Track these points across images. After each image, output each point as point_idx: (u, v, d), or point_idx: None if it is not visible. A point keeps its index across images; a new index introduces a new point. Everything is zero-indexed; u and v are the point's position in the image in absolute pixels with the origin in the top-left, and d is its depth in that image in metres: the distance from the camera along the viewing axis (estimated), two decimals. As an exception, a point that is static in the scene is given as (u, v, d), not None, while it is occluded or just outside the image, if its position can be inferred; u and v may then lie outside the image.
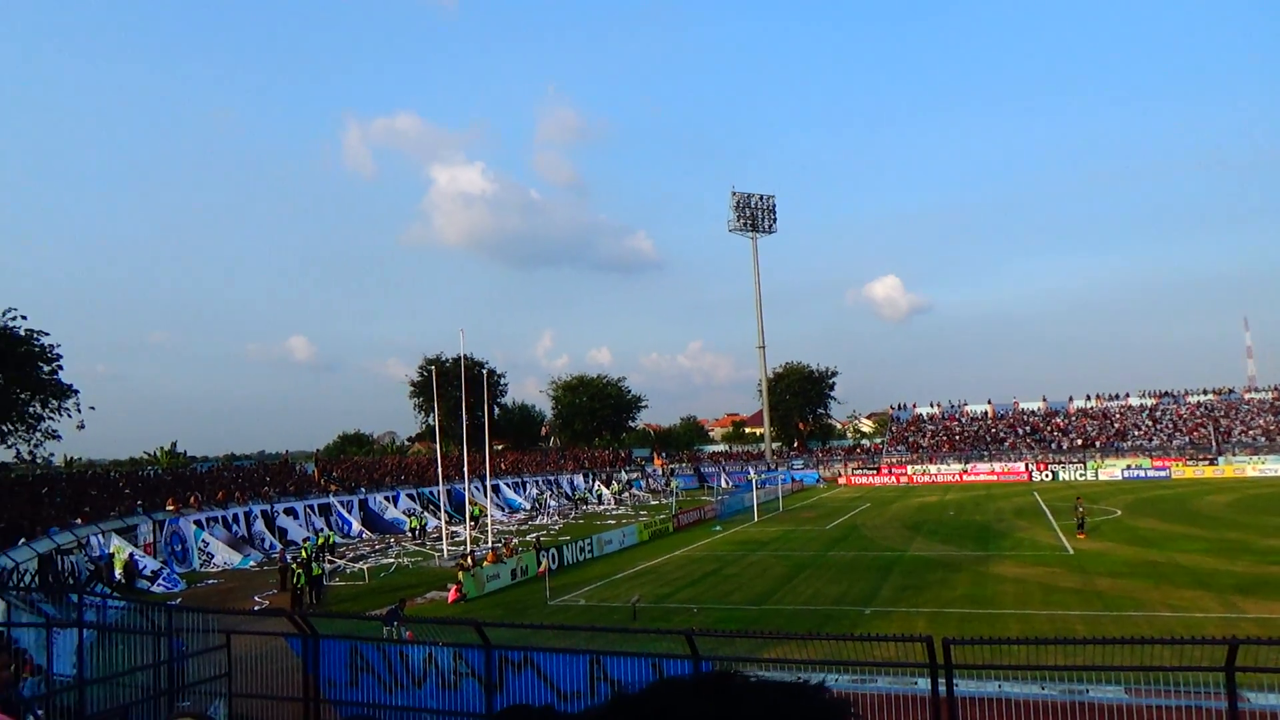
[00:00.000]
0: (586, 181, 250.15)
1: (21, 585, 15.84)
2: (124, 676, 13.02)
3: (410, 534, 51.40)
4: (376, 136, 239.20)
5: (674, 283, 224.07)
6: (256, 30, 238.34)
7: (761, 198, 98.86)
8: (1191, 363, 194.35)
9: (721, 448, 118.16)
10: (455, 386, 67.40)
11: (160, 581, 35.79)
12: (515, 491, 69.26)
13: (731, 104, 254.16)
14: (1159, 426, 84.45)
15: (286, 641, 13.68)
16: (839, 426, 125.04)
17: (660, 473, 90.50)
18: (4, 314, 43.05)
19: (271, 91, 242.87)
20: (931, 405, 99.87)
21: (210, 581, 37.19)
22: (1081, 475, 76.56)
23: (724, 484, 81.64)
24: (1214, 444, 77.67)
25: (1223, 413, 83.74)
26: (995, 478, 79.49)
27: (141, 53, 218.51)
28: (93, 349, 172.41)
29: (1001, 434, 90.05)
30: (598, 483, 77.80)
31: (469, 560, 33.38)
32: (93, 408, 48.13)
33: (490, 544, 40.53)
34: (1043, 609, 24.38)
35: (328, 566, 35.91)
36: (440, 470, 48.20)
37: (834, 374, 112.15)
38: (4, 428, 44.59)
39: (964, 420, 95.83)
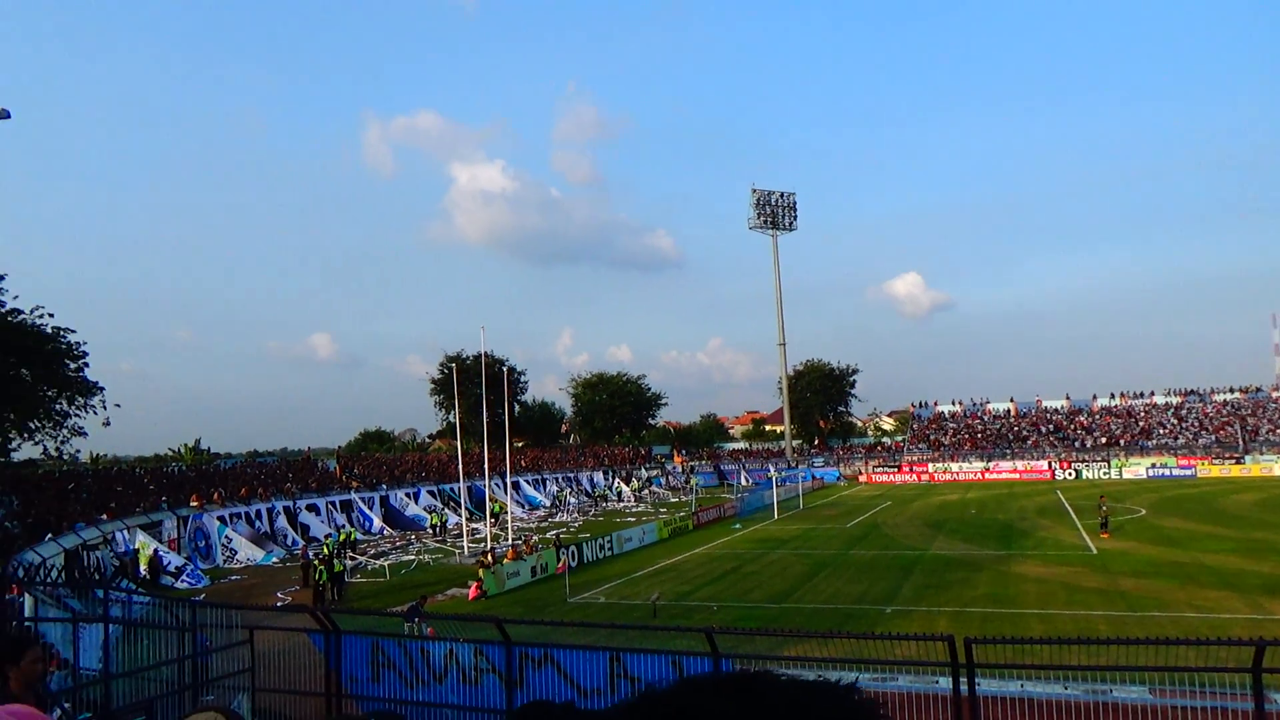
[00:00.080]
0: (606, 179, 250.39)
1: (48, 581, 16.03)
2: (149, 671, 13.15)
3: (431, 531, 51.61)
4: (397, 135, 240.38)
5: (694, 280, 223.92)
6: (279, 32, 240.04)
7: (782, 195, 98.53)
8: (1218, 360, 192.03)
9: (741, 445, 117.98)
10: (476, 384, 67.53)
11: (184, 577, 36.14)
12: (535, 489, 69.43)
13: (752, 101, 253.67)
14: (1184, 425, 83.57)
15: (309, 637, 13.76)
16: (860, 424, 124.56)
17: (680, 470, 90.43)
18: (31, 312, 43.53)
19: (293, 92, 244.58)
20: (953, 403, 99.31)
21: (233, 577, 37.51)
22: (1105, 474, 75.91)
23: (744, 481, 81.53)
24: (1240, 442, 76.76)
25: (1250, 411, 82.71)
26: (1018, 476, 78.89)
27: (167, 55, 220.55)
28: (118, 347, 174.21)
29: (1024, 432, 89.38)
30: (617, 480, 77.83)
31: (489, 557, 33.49)
32: (118, 405, 48.52)
33: (510, 541, 40.62)
34: (1066, 609, 24.20)
35: (349, 563, 36.13)
36: (461, 467, 48.37)
37: (854, 371, 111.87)
38: (31, 425, 45.08)
39: (986, 418, 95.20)
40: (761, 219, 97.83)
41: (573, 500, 69.50)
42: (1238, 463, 72.85)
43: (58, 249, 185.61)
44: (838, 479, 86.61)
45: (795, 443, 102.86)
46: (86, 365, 46.28)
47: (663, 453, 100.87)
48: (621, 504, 69.02)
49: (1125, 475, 74.69)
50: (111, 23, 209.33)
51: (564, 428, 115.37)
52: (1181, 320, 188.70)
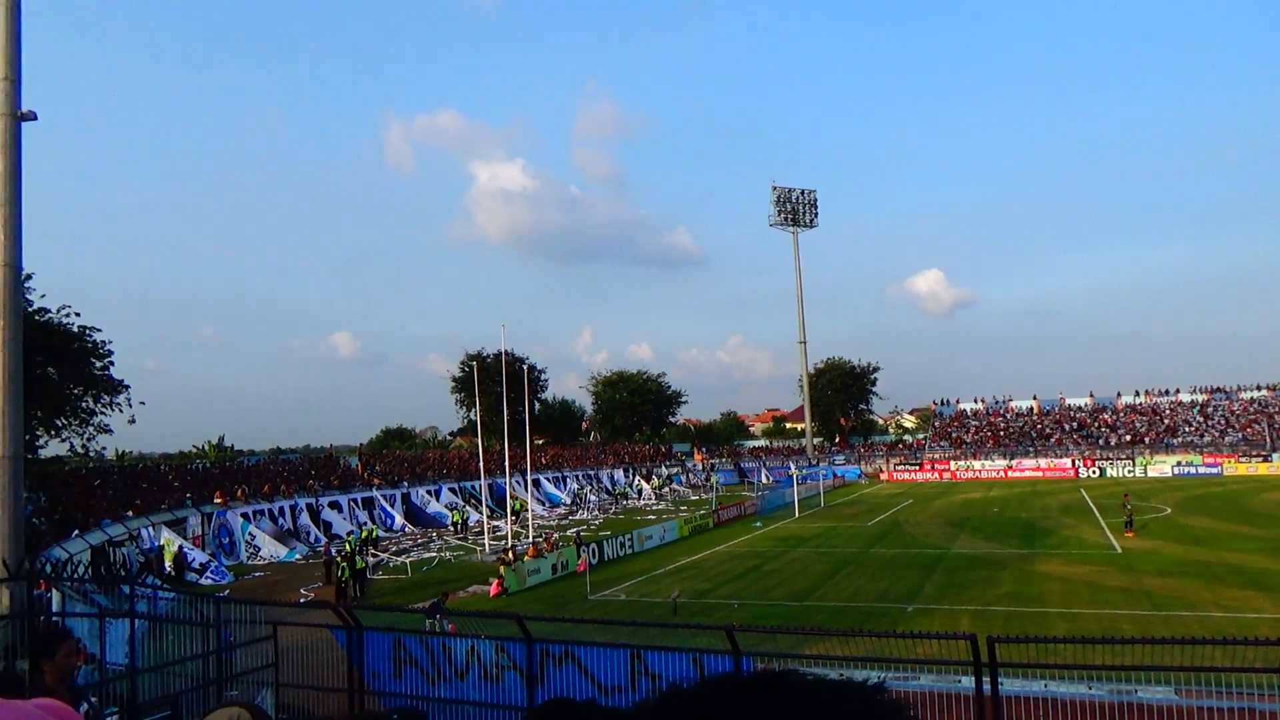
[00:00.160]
0: (626, 177, 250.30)
1: (75, 577, 16.21)
2: (174, 666, 13.28)
3: (452, 528, 51.82)
4: (418, 134, 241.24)
5: (714, 278, 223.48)
6: (300, 33, 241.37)
7: (803, 192, 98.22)
8: (1245, 357, 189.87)
9: (762, 443, 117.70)
10: (496, 382, 67.73)
11: (208, 573, 36.49)
12: (556, 486, 69.60)
13: (772, 98, 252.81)
14: (1211, 422, 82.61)
15: (331, 633, 13.85)
16: (881, 422, 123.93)
17: (700, 468, 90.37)
18: (58, 311, 44.04)
19: (315, 92, 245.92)
20: (975, 401, 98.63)
21: (257, 574, 37.82)
22: (1130, 472, 75.21)
23: (764, 479, 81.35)
24: (1268, 440, 75.79)
25: (1277, 409, 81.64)
26: (1041, 474, 78.27)
27: (189, 56, 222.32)
28: (142, 345, 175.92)
29: (1047, 430, 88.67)
30: (638, 478, 77.86)
31: (510, 554, 33.60)
32: (143, 402, 49.00)
33: (531, 538, 40.74)
34: (1090, 608, 24.01)
35: (371, 560, 36.35)
36: (482, 464, 48.54)
37: (876, 369, 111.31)
38: (58, 422, 45.62)
39: (1009, 416, 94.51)
40: (782, 216, 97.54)
41: (593, 498, 69.60)
42: (1265, 460, 71.94)
43: (83, 248, 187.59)
44: (859, 477, 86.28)
45: (816, 440, 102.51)
46: (112, 363, 46.80)
47: (683, 450, 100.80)
48: (642, 502, 69.04)
49: (1150, 473, 73.99)
50: (135, 24, 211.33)
51: (584, 425, 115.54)
52: (1208, 317, 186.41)
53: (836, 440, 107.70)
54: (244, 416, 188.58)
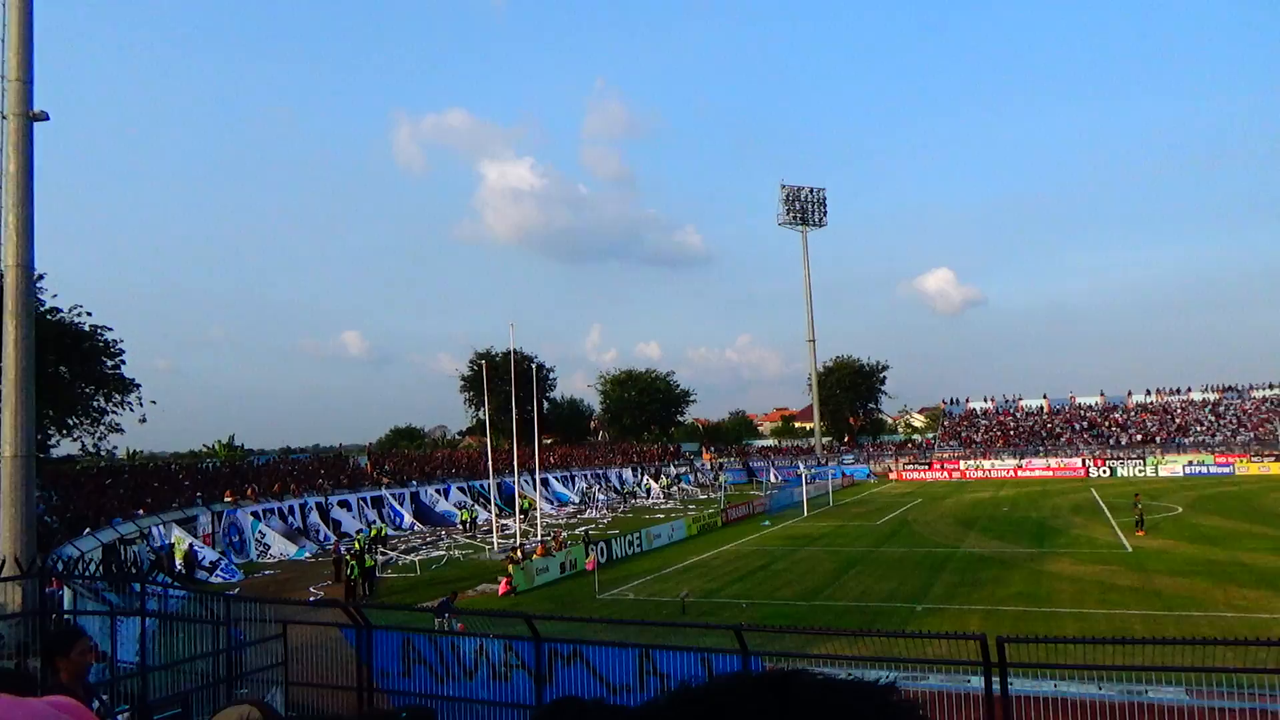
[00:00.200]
0: (635, 176, 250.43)
1: (87, 575, 16.29)
2: (185, 664, 13.33)
3: (461, 527, 51.92)
4: (427, 133, 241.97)
5: (722, 277, 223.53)
6: (309, 33, 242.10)
7: (811, 190, 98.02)
8: (1257, 356, 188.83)
9: (770, 442, 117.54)
10: (505, 381, 67.90)
11: (219, 572, 36.61)
12: (564, 485, 69.62)
13: (781, 96, 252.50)
14: (1222, 422, 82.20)
15: (341, 632, 13.88)
16: (890, 421, 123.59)
17: (709, 467, 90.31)
18: (70, 310, 44.28)
19: (325, 92, 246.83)
20: (985, 400, 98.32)
21: (267, 572, 37.92)
22: (1141, 471, 74.84)
23: (773, 478, 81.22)
24: (1280, 440, 75.43)
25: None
26: (1051, 474, 77.95)
27: (199, 57, 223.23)
28: (153, 344, 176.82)
29: (1058, 429, 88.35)
30: (646, 477, 77.85)
31: (518, 553, 33.62)
32: (154, 401, 49.32)
33: (539, 537, 40.78)
34: (1100, 608, 23.91)
35: (380, 558, 36.43)
36: (490, 464, 48.60)
37: (885, 368, 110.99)
38: (70, 421, 45.89)
39: (1019, 415, 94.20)
40: (791, 215, 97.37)
41: (601, 497, 69.63)
42: (1277, 460, 71.45)
43: (95, 248, 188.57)
44: (868, 476, 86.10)
45: (825, 440, 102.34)
46: (123, 363, 47.08)
47: (691, 450, 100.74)
48: (650, 501, 69.06)
49: (1161, 473, 73.64)
50: (146, 25, 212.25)
51: (593, 424, 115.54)
52: (1219, 315, 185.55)
53: (845, 439, 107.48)
54: (254, 416, 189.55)
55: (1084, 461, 78.74)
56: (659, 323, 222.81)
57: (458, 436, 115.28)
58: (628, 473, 79.11)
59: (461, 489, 60.14)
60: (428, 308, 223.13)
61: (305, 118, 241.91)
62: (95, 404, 46.75)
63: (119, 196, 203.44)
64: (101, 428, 47.29)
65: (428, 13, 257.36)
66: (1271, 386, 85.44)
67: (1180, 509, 47.32)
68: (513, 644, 12.52)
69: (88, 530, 33.32)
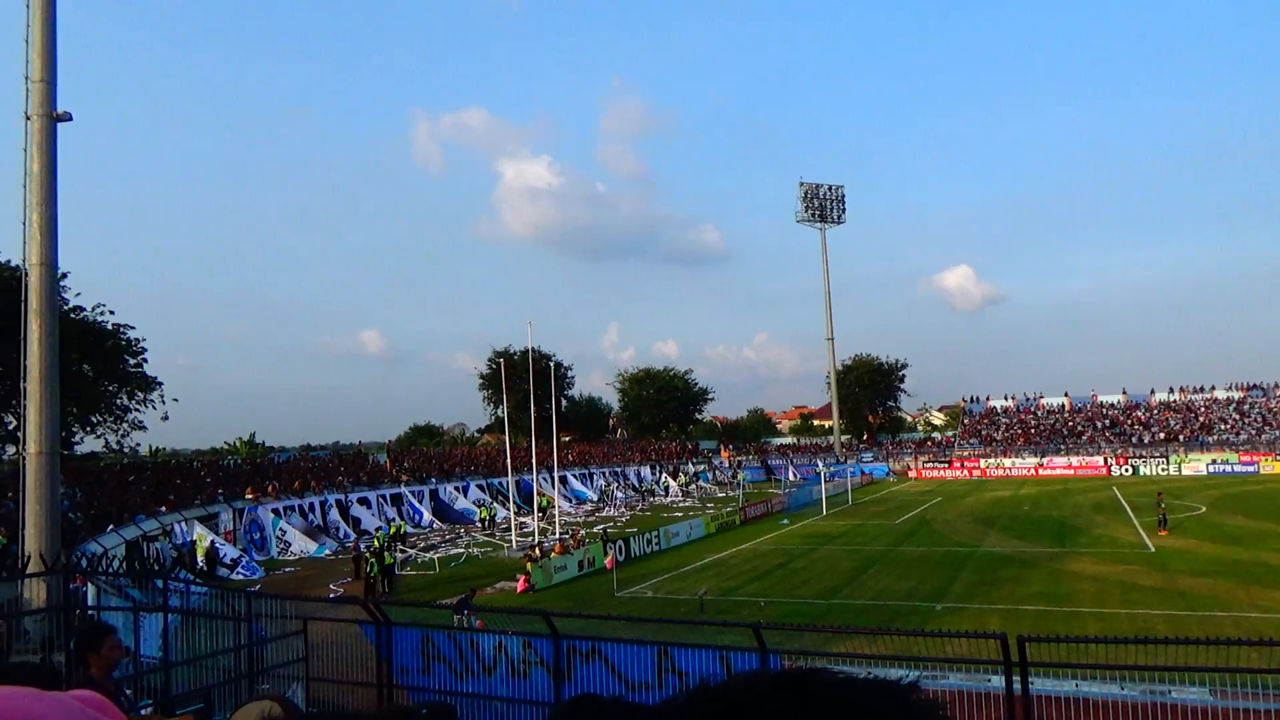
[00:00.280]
0: (652, 174, 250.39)
1: (110, 571, 16.45)
2: (207, 659, 13.43)
3: (480, 524, 52.08)
4: (445, 132, 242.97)
5: (741, 274, 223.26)
6: (328, 33, 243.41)
7: (830, 188, 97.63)
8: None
9: (789, 440, 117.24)
10: (523, 379, 68.01)
11: (240, 569, 36.87)
12: (582, 483, 69.70)
13: (800, 94, 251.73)
14: (1247, 420, 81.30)
15: (360, 629, 13.96)
16: (909, 419, 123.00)
17: (727, 465, 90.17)
18: (93, 309, 44.71)
19: (344, 92, 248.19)
20: (1006, 398, 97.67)
21: (287, 569, 38.16)
22: (1164, 470, 74.16)
23: (792, 477, 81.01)
24: (1306, 438, 74.54)
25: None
26: (1072, 472, 77.35)
27: (218, 55, 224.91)
28: (175, 342, 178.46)
29: (1079, 427, 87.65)
30: (664, 475, 77.82)
31: (537, 551, 33.69)
32: (176, 399, 49.73)
33: (558, 535, 40.85)
34: (1122, 608, 23.71)
35: (399, 556, 36.59)
36: (509, 461, 48.72)
37: (904, 366, 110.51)
38: (93, 418, 46.37)
39: (1040, 413, 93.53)
40: (809, 212, 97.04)
41: (620, 495, 69.66)
42: (1303, 459, 70.74)
43: (117, 247, 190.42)
44: (887, 474, 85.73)
45: (844, 438, 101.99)
46: (145, 360, 47.52)
47: (710, 448, 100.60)
48: (668, 499, 69.02)
49: (1185, 472, 72.93)
50: (165, 26, 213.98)
51: (611, 422, 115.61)
52: (1244, 312, 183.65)
53: (864, 438, 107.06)
54: (275, 413, 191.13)
55: (1105, 460, 78.09)
56: (677, 321, 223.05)
57: (476, 434, 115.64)
58: (646, 471, 79.07)
59: (480, 487, 60.32)
60: (446, 306, 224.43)
61: (324, 117, 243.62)
62: (118, 402, 47.21)
63: (140, 196, 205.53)
64: (124, 425, 47.78)
65: (445, 12, 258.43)
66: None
67: (1204, 508, 46.86)
68: (531, 641, 12.56)
69: (111, 527, 33.64)
